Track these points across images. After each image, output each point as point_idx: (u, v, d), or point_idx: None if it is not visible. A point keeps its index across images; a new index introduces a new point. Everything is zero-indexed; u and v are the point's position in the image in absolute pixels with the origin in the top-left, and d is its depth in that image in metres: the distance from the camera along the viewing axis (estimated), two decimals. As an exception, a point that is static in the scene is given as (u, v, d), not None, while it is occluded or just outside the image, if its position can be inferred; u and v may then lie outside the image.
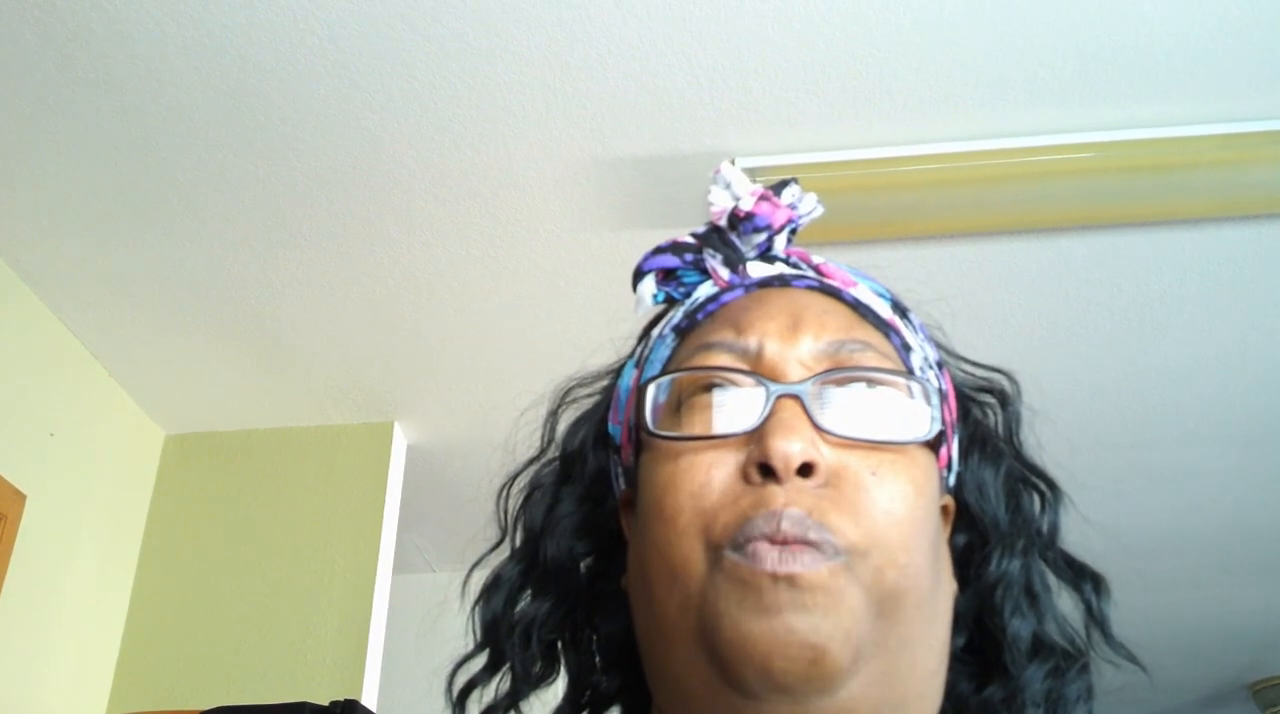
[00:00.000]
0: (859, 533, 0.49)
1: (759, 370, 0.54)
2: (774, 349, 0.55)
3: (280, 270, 2.17)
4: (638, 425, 0.57)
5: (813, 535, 0.48)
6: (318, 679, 2.36)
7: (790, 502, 0.49)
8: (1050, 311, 2.28)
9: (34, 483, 2.16)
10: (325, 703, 1.95)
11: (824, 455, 0.50)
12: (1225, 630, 3.88)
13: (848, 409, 0.53)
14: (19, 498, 2.11)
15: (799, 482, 0.49)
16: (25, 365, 2.20)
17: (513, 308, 2.28)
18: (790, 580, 0.47)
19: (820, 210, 0.63)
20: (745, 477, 0.51)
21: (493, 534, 0.69)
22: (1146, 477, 2.86)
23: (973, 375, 0.67)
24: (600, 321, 2.28)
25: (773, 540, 0.48)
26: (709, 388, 0.54)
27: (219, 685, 2.36)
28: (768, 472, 0.49)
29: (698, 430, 0.53)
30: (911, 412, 0.54)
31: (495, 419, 2.61)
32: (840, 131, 1.86)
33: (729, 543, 0.49)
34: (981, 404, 0.66)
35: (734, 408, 0.53)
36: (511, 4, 1.65)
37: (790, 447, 0.49)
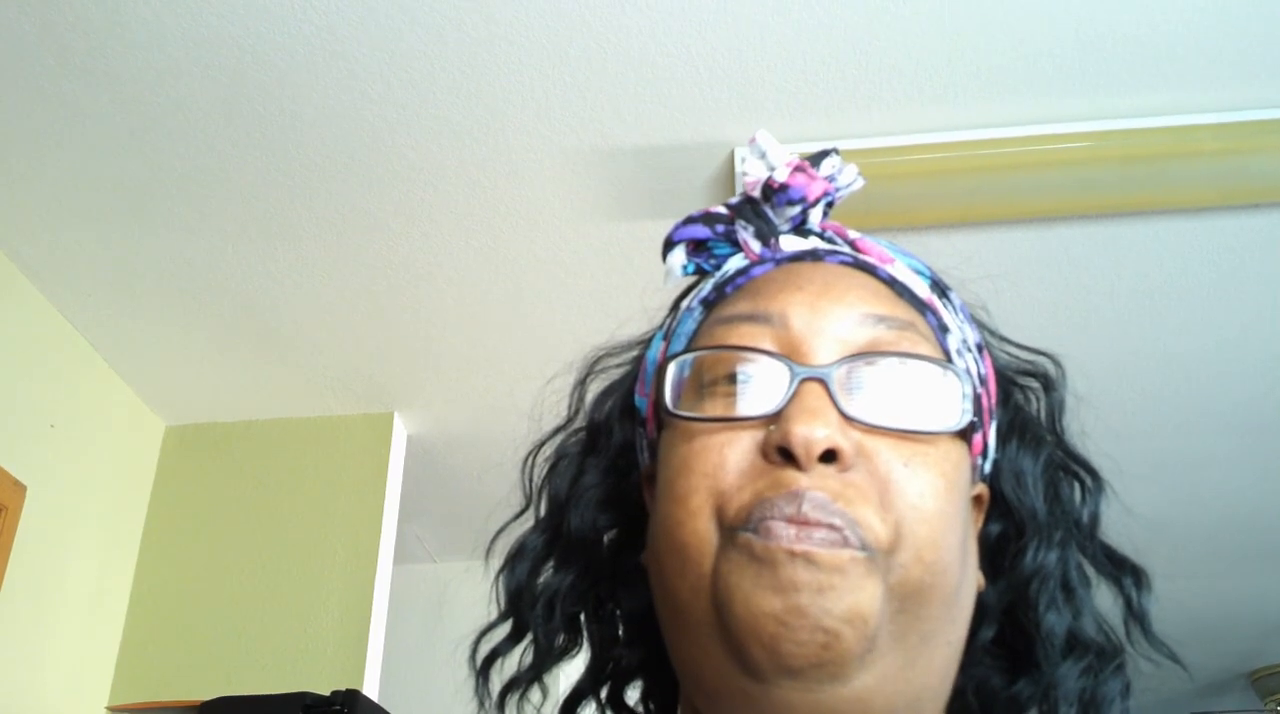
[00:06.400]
0: (886, 528, 0.47)
1: (784, 347, 0.52)
2: (801, 322, 0.52)
3: (280, 261, 2.17)
4: (658, 403, 0.55)
5: (838, 522, 0.46)
6: (319, 669, 2.37)
7: (814, 485, 0.47)
8: (1050, 302, 2.27)
9: (34, 474, 2.16)
10: (327, 692, 1.95)
11: (849, 442, 0.48)
12: (1225, 619, 3.88)
13: (877, 394, 0.50)
14: (19, 489, 2.11)
15: (822, 468, 0.47)
16: (25, 357, 2.20)
17: (512, 298, 2.28)
18: (807, 557, 0.45)
19: (861, 183, 0.61)
20: (764, 457, 0.49)
21: (496, 522, 0.68)
22: (1146, 465, 2.86)
23: (1016, 357, 0.64)
24: (600, 311, 2.28)
25: (792, 521, 0.46)
26: (732, 367, 0.52)
27: (220, 675, 2.37)
28: (788, 456, 0.47)
29: (718, 411, 0.51)
30: (944, 399, 0.52)
31: (495, 409, 2.61)
32: (838, 121, 1.86)
33: (743, 524, 0.47)
34: (1024, 388, 0.64)
35: (756, 389, 0.51)
36: (510, -6, 1.65)
37: (813, 432, 0.47)
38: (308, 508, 2.57)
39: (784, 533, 0.46)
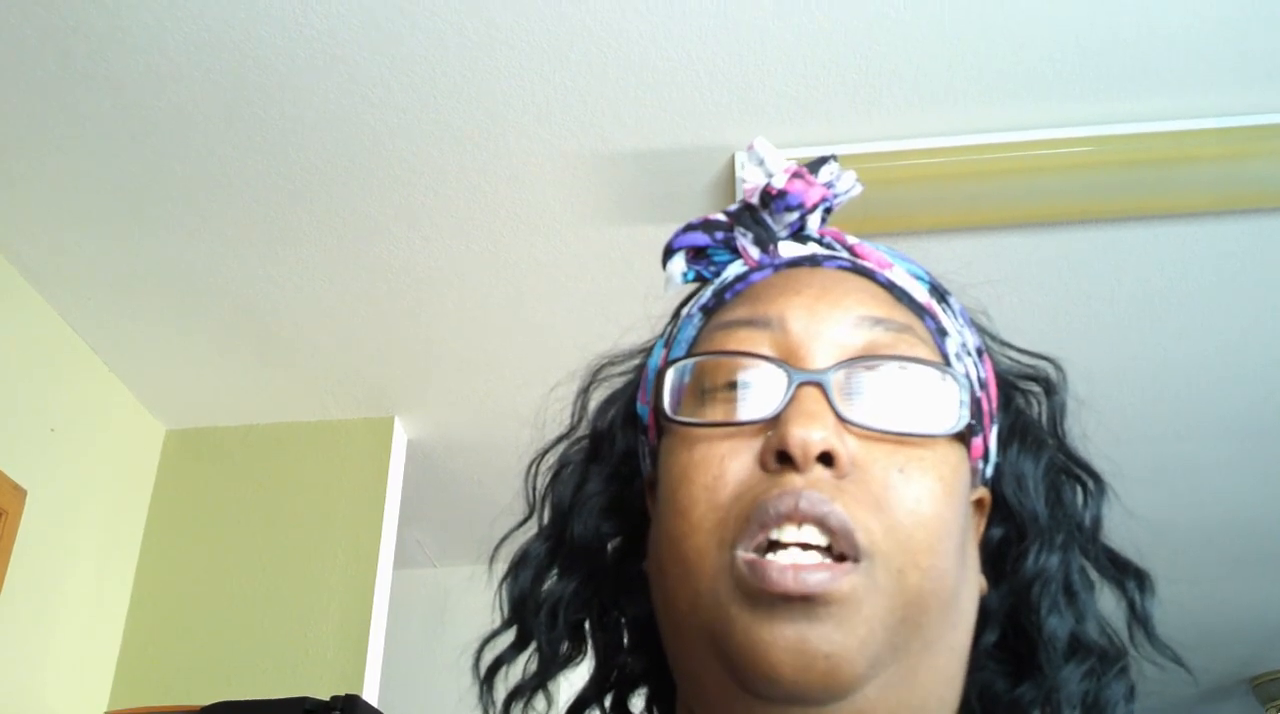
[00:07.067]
0: (882, 532, 0.47)
1: (782, 352, 0.52)
2: (800, 326, 0.53)
3: (280, 265, 2.17)
4: (658, 409, 0.56)
5: (833, 522, 0.46)
6: (319, 674, 2.36)
7: (810, 485, 0.47)
8: (1050, 307, 2.27)
9: (35, 478, 2.16)
10: (326, 697, 1.95)
11: (846, 446, 0.48)
12: (1225, 624, 3.88)
13: (875, 398, 0.51)
14: (19, 493, 2.11)
15: (819, 471, 0.48)
16: (25, 360, 2.20)
17: (513, 303, 2.28)
18: (804, 592, 0.45)
19: (859, 189, 0.62)
20: (763, 465, 0.49)
21: (497, 527, 0.68)
22: (1146, 469, 2.86)
23: (1017, 362, 0.65)
24: (600, 316, 2.28)
25: (790, 519, 0.46)
26: (732, 375, 0.52)
27: (220, 680, 2.37)
28: (786, 460, 0.48)
29: (717, 417, 0.52)
30: (942, 402, 0.52)
31: (496, 414, 2.61)
32: (839, 126, 1.86)
33: (743, 537, 0.47)
34: (1025, 392, 0.64)
35: (756, 395, 0.51)
36: (511, -2, 1.65)
37: (810, 434, 0.47)
38: (308, 512, 2.57)
39: (781, 572, 0.46)
